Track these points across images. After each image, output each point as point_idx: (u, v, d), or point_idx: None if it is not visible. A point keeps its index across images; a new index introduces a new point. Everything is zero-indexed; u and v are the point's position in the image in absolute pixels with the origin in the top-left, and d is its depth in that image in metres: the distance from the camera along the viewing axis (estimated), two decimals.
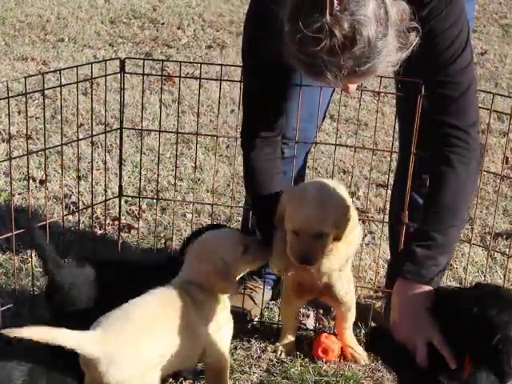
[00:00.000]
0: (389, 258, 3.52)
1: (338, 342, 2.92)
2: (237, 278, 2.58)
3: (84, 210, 3.77)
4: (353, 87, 2.24)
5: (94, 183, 3.96)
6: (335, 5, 1.98)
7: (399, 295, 2.29)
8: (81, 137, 3.22)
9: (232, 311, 2.73)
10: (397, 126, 3.03)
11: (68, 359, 2.37)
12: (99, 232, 3.65)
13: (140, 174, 3.54)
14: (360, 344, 2.98)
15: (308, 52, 2.04)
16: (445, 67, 2.36)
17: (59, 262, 2.64)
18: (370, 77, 2.16)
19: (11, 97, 2.65)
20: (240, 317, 2.97)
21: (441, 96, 2.38)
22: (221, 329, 2.54)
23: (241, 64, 2.76)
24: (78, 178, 3.56)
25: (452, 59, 2.35)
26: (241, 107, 2.73)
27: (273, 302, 3.23)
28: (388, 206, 3.99)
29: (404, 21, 2.13)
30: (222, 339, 2.55)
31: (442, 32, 2.34)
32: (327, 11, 1.98)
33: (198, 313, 2.48)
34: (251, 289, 3.17)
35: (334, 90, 2.91)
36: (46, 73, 3.10)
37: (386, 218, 3.34)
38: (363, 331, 3.04)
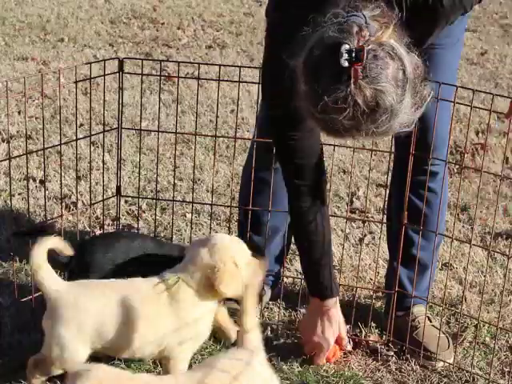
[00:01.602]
0: (388, 258, 3.52)
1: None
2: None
3: (84, 210, 3.77)
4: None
5: (93, 183, 3.96)
6: (359, 74, 2.00)
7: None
8: (80, 137, 3.22)
9: (229, 310, 2.75)
10: None
11: None
12: (99, 232, 3.65)
13: (139, 174, 3.54)
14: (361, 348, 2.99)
15: (329, 118, 2.08)
16: None
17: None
18: (386, 136, 2.24)
19: (11, 97, 2.65)
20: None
21: None
22: (186, 331, 2.55)
23: (241, 64, 2.74)
24: (78, 177, 3.55)
25: None
26: (240, 107, 2.72)
27: (272, 302, 3.23)
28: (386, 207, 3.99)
29: (419, 76, 2.15)
30: (183, 342, 2.55)
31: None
32: (352, 81, 2.01)
33: (170, 309, 2.52)
34: None
35: None
36: (46, 73, 3.09)
37: (386, 219, 3.34)
38: (363, 332, 3.04)
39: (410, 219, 2.90)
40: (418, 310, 3.05)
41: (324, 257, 2.79)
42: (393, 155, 3.04)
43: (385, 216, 3.20)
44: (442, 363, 2.93)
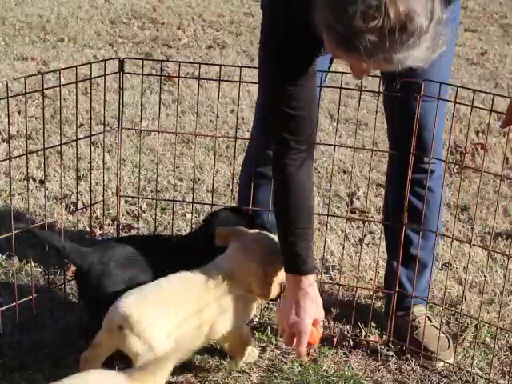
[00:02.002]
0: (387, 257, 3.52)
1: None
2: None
3: (84, 210, 3.77)
4: (366, 72, 2.21)
5: (93, 183, 3.96)
6: None
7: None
8: (80, 137, 3.22)
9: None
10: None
11: None
12: (99, 232, 3.65)
13: (140, 174, 3.54)
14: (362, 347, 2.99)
15: (352, 26, 1.97)
16: None
17: (79, 249, 2.73)
18: (397, 67, 2.12)
19: (11, 96, 2.65)
20: None
21: None
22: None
23: (240, 64, 2.74)
24: (78, 177, 3.55)
25: None
26: (241, 107, 2.70)
27: (273, 302, 3.23)
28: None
29: (441, 21, 2.10)
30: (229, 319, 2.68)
31: None
32: None
33: (215, 303, 2.63)
34: None
35: (320, 92, 2.90)
36: (46, 72, 3.09)
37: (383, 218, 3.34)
38: (363, 332, 3.04)
39: (407, 218, 2.90)
40: (418, 310, 3.05)
41: (306, 226, 2.63)
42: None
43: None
44: (442, 363, 2.93)
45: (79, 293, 2.88)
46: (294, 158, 2.55)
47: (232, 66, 3.42)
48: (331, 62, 2.93)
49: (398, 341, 2.99)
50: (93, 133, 3.04)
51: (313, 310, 2.64)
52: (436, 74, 2.72)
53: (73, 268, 2.97)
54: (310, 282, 2.64)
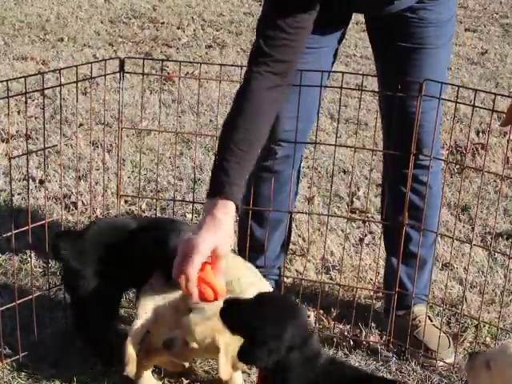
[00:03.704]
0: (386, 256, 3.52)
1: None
2: None
3: (84, 210, 3.76)
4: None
5: (93, 183, 3.96)
6: None
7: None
8: (80, 137, 3.21)
9: None
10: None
11: None
12: None
13: (140, 173, 3.53)
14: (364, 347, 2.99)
15: None
16: None
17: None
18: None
19: (11, 96, 2.64)
20: None
21: None
22: None
23: (240, 64, 2.74)
24: (78, 177, 3.55)
25: None
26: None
27: None
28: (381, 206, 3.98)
29: None
30: None
31: None
32: None
33: None
34: None
35: (321, 91, 2.90)
36: (46, 72, 3.08)
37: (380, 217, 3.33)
38: (363, 332, 3.04)
39: (401, 212, 2.89)
40: (419, 310, 3.05)
41: (247, 149, 2.34)
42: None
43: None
44: (442, 363, 2.92)
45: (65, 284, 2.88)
46: (264, 76, 2.40)
47: (232, 65, 3.42)
48: (335, 56, 2.93)
49: (398, 340, 2.99)
50: (93, 133, 3.04)
51: (215, 234, 2.19)
52: (433, 72, 2.75)
53: None
54: (226, 210, 2.24)
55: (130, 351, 2.49)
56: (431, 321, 3.05)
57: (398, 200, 2.91)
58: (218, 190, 2.27)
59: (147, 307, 2.52)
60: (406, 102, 2.80)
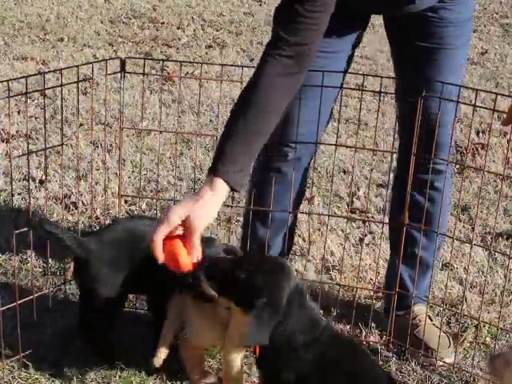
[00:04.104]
0: (388, 258, 3.52)
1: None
2: None
3: (84, 210, 3.76)
4: None
5: (93, 183, 3.96)
6: None
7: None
8: (80, 137, 3.21)
9: None
10: (397, 126, 3.02)
11: None
12: None
13: (140, 173, 3.53)
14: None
15: None
16: None
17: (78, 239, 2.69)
18: None
19: (11, 96, 2.64)
20: None
21: None
22: None
23: (240, 64, 2.73)
24: (78, 178, 3.55)
25: None
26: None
27: None
28: (388, 207, 3.98)
29: None
30: None
31: None
32: None
33: None
34: None
35: (338, 92, 2.89)
36: (46, 72, 3.08)
37: (387, 219, 3.33)
38: (363, 332, 3.04)
39: (413, 218, 2.89)
40: (419, 309, 3.05)
41: (253, 134, 2.30)
42: (394, 155, 3.03)
43: (385, 216, 3.20)
44: (442, 362, 2.92)
45: (78, 283, 2.86)
46: (278, 60, 2.33)
47: (232, 65, 3.42)
48: (349, 62, 2.91)
49: (399, 340, 2.99)
50: (93, 133, 3.04)
51: (189, 207, 2.19)
52: (452, 73, 2.75)
53: (72, 269, 2.96)
54: (213, 188, 2.24)
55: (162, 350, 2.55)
56: (431, 320, 3.05)
57: (412, 208, 2.87)
58: (211, 168, 2.26)
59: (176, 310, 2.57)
60: (424, 104, 2.75)
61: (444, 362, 2.92)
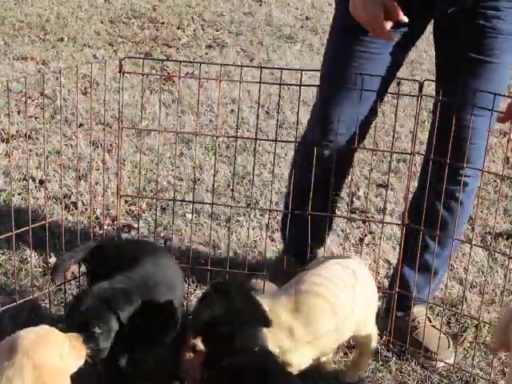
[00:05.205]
0: (389, 258, 3.52)
1: None
2: None
3: (83, 210, 3.76)
4: None
5: (93, 183, 3.96)
6: None
7: None
8: (80, 137, 3.22)
9: None
10: (397, 126, 3.02)
11: None
12: (99, 232, 3.64)
13: (140, 173, 3.53)
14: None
15: None
16: None
17: None
18: None
19: (11, 97, 2.64)
20: None
21: None
22: None
23: (240, 64, 2.73)
24: (78, 177, 3.55)
25: None
26: (241, 107, 2.69)
27: None
28: (388, 206, 3.98)
29: None
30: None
31: None
32: None
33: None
34: None
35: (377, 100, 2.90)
36: (46, 73, 3.08)
37: (387, 219, 3.33)
38: None
39: (429, 225, 2.87)
40: (418, 311, 3.05)
41: None
42: (393, 155, 3.03)
43: (385, 216, 3.20)
44: (442, 363, 2.92)
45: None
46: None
47: (232, 65, 3.42)
48: (396, 68, 2.91)
49: (398, 341, 2.99)
50: (93, 133, 3.04)
51: None
52: (495, 88, 2.72)
53: (72, 268, 2.96)
54: None
55: None
56: (430, 321, 3.04)
57: (428, 214, 2.85)
58: None
59: None
60: (461, 115, 2.75)
61: (444, 361, 2.92)
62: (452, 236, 2.87)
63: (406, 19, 2.55)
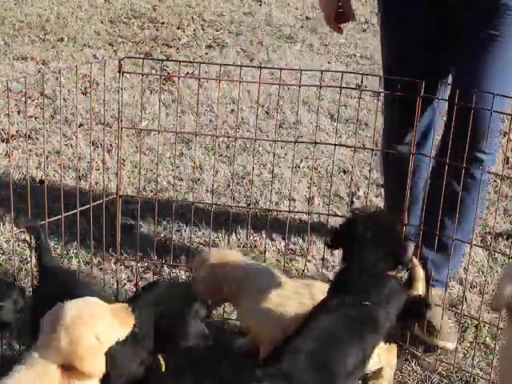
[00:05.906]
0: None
1: None
2: None
3: (83, 210, 3.75)
4: None
5: (93, 183, 3.96)
6: None
7: None
8: (80, 137, 3.21)
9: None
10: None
11: None
12: (99, 233, 3.64)
13: (139, 173, 3.53)
14: None
15: None
16: None
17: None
18: None
19: (11, 97, 2.65)
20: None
21: None
22: None
23: (240, 64, 2.73)
24: (78, 177, 3.55)
25: None
26: (240, 107, 2.69)
27: None
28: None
29: None
30: None
31: None
32: None
33: None
34: None
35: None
36: (46, 73, 3.08)
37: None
38: None
39: (447, 204, 2.88)
40: (436, 293, 3.05)
41: None
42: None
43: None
44: (443, 343, 2.94)
45: None
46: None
47: (232, 65, 3.42)
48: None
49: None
50: (93, 133, 3.04)
51: None
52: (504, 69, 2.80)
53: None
54: None
55: None
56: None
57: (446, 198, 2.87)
58: None
59: None
60: (473, 114, 2.78)
61: (445, 346, 2.92)
62: (472, 214, 2.91)
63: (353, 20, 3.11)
